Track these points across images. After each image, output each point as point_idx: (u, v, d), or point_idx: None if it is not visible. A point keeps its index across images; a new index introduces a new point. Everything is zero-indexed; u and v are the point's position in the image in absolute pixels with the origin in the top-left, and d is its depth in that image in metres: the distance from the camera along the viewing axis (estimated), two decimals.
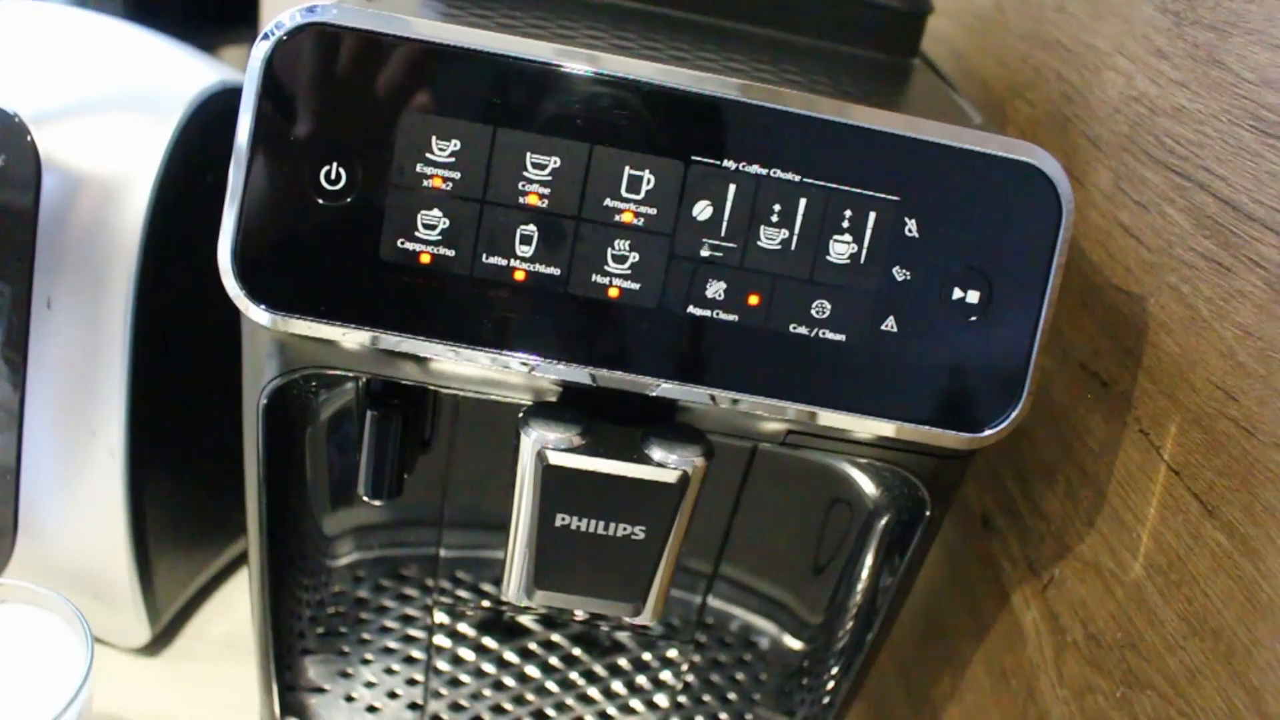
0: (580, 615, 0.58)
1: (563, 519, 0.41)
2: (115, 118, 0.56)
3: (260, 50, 0.37)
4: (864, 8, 0.52)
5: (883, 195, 0.39)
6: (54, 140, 0.54)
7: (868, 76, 0.50)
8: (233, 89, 0.60)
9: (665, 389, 0.40)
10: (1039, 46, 0.59)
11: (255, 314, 0.39)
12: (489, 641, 0.59)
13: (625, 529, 0.41)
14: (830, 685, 0.55)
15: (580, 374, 0.39)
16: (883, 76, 0.51)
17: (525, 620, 0.58)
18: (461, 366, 0.40)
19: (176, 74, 0.59)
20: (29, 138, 0.54)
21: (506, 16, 0.43)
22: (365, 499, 0.45)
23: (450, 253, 0.38)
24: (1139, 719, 0.43)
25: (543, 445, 0.40)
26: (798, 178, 0.39)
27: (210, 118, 0.58)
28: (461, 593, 0.56)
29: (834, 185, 0.39)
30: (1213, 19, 0.44)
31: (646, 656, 0.59)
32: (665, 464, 0.40)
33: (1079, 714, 0.46)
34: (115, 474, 0.59)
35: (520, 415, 0.41)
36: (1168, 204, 0.45)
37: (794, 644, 0.56)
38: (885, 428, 0.41)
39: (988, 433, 0.41)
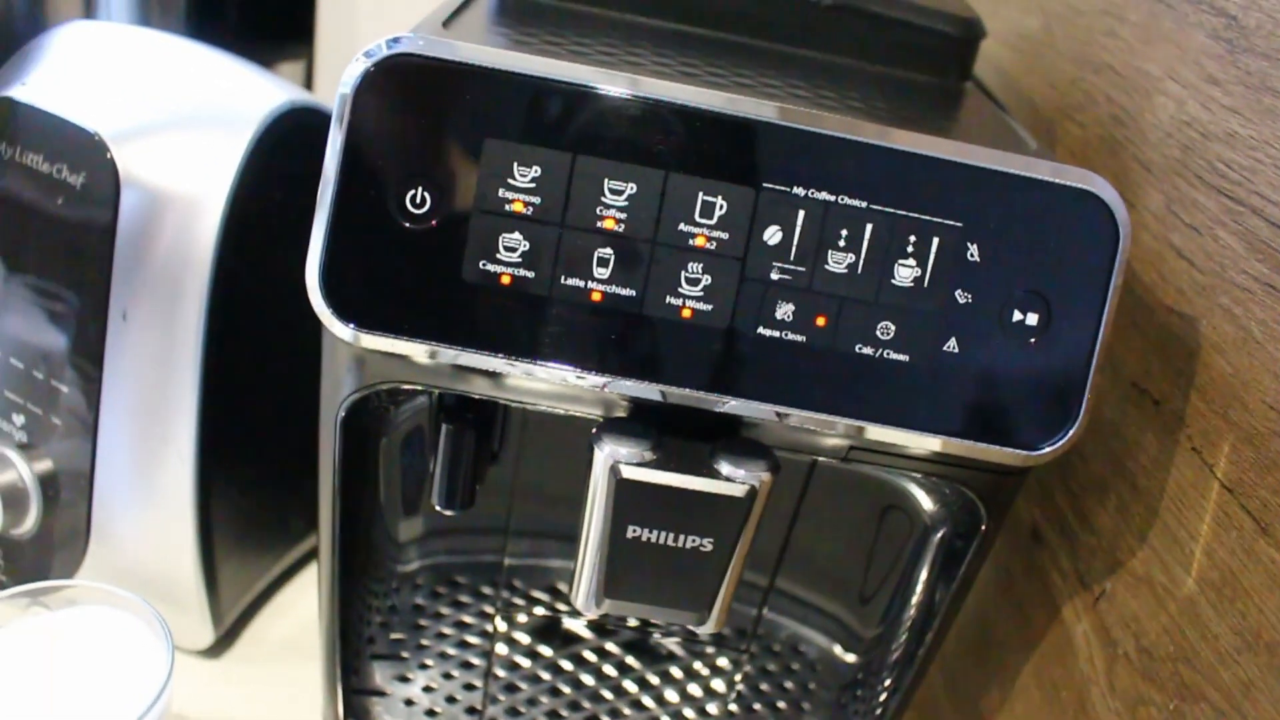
0: (633, 623, 0.59)
1: (634, 530, 0.42)
2: (190, 136, 0.58)
3: (350, 80, 0.39)
4: (919, 33, 0.54)
5: (946, 221, 0.40)
6: (132, 158, 0.56)
7: (925, 102, 0.51)
8: (301, 108, 0.61)
9: (733, 405, 0.41)
10: (1089, 70, 0.60)
11: (340, 330, 0.40)
12: (545, 648, 0.60)
13: (694, 540, 0.42)
14: (882, 697, 0.56)
15: (651, 391, 0.41)
16: (939, 101, 0.52)
17: (580, 628, 0.59)
18: (535, 382, 0.42)
19: (247, 93, 0.61)
20: (109, 155, 0.56)
21: (576, 44, 0.45)
22: (438, 509, 0.47)
23: (530, 274, 0.40)
24: None
25: (616, 459, 0.41)
26: (864, 204, 0.40)
27: (281, 136, 0.60)
28: (521, 600, 0.58)
29: (899, 211, 0.40)
30: (1266, 47, 0.45)
31: (698, 665, 0.60)
32: (734, 478, 0.42)
33: None
34: (185, 480, 0.61)
35: (593, 430, 0.43)
36: (1220, 228, 0.46)
37: (847, 656, 0.57)
38: (945, 445, 0.42)
39: (1045, 450, 0.42)
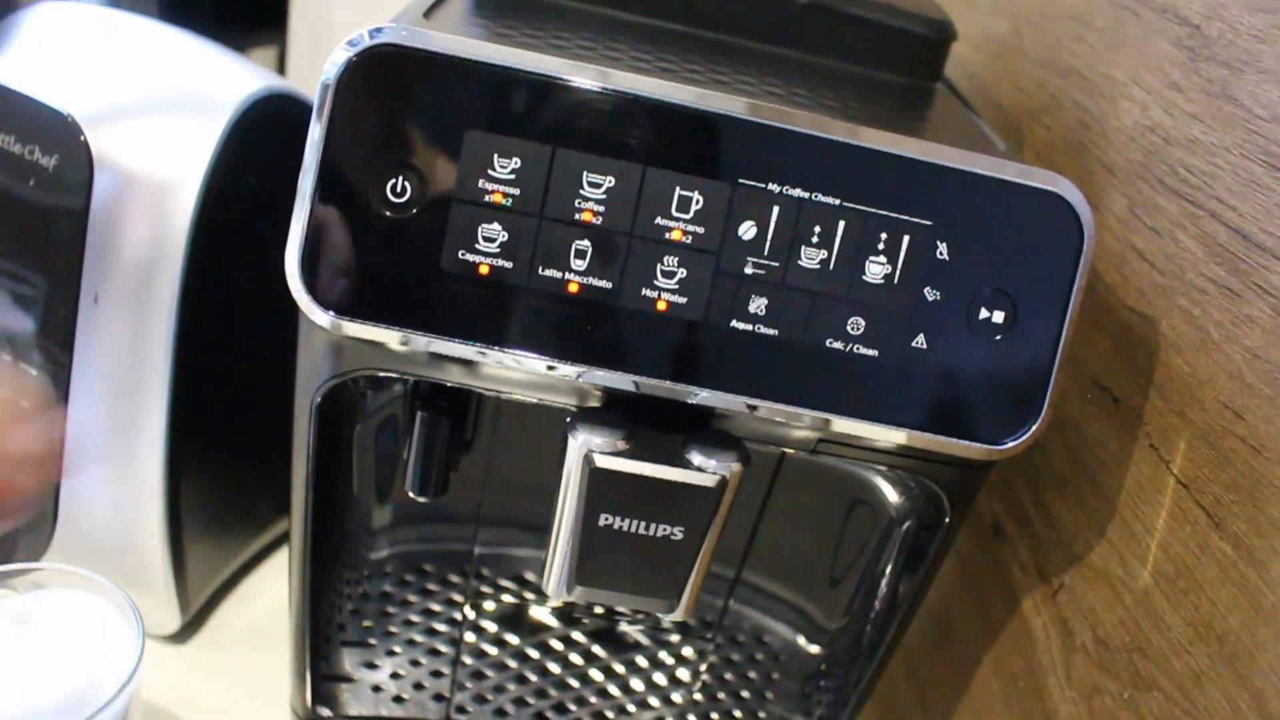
0: (600, 610, 0.60)
1: (606, 519, 0.43)
2: (165, 119, 0.58)
3: (331, 67, 0.39)
4: (892, 33, 0.54)
5: (916, 219, 0.41)
6: (106, 141, 0.56)
7: (897, 101, 0.52)
8: (277, 94, 0.62)
9: (705, 397, 0.42)
10: (1056, 74, 0.61)
11: (318, 317, 0.41)
12: (512, 637, 0.61)
13: (665, 529, 0.43)
14: (845, 687, 0.57)
15: (625, 381, 0.41)
16: (910, 101, 0.53)
17: (547, 617, 0.60)
18: (511, 372, 0.42)
19: (222, 77, 0.61)
20: (82, 138, 0.56)
21: (555, 38, 0.45)
22: (412, 496, 0.47)
23: (508, 264, 0.40)
24: (1146, 719, 0.45)
25: (589, 448, 0.42)
26: (837, 201, 0.41)
27: (256, 121, 0.60)
28: (490, 589, 0.58)
29: (871, 209, 0.41)
30: (1226, 56, 0.46)
31: (664, 655, 0.61)
32: (705, 468, 0.43)
33: (1087, 714, 0.49)
34: (155, 464, 0.61)
35: (567, 420, 0.43)
36: (1180, 231, 0.48)
37: (810, 647, 0.58)
38: (912, 438, 0.43)
39: (1009, 445, 0.44)
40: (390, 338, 0.41)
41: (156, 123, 0.58)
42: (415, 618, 0.60)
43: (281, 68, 0.93)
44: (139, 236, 0.57)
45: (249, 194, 0.60)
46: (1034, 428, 0.44)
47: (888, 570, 0.53)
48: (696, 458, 0.43)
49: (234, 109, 0.59)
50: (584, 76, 0.40)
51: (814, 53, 0.54)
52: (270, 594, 0.74)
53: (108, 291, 0.58)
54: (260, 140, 0.60)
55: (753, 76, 0.47)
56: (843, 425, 0.43)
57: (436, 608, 0.59)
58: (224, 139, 0.58)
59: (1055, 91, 0.61)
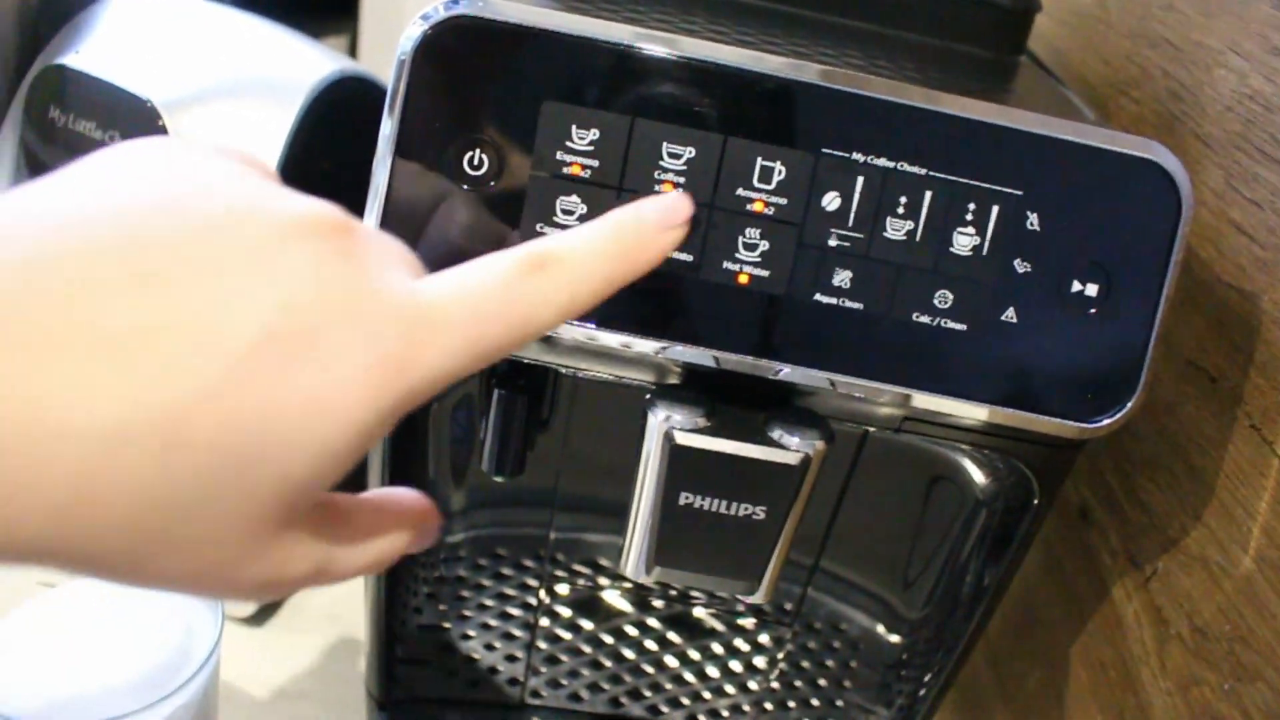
0: (673, 594, 0.59)
1: (686, 497, 0.42)
2: (240, 103, 0.59)
3: (407, 40, 0.39)
4: (974, 6, 0.53)
5: (1005, 189, 0.40)
6: (184, 125, 0.57)
7: (980, 73, 0.50)
8: (350, 77, 0.62)
9: (787, 373, 0.41)
10: (1145, 44, 0.59)
11: None
12: (586, 622, 0.60)
13: (746, 509, 0.42)
14: (926, 677, 0.55)
15: (705, 356, 0.41)
16: (994, 73, 0.51)
17: (622, 603, 0.59)
18: (589, 348, 0.41)
19: (296, 61, 0.61)
20: (160, 122, 0.57)
21: (632, 10, 0.44)
22: (489, 475, 0.47)
23: None
24: (1249, 711, 0.43)
25: (670, 425, 0.41)
26: (924, 171, 0.40)
27: (330, 104, 0.60)
28: (564, 573, 0.58)
29: (958, 179, 0.40)
30: None
31: (740, 642, 0.60)
32: (788, 446, 0.42)
33: (1184, 706, 0.47)
34: None
35: (647, 396, 0.42)
36: None
37: (892, 635, 0.57)
38: (1001, 415, 0.42)
39: (1102, 423, 0.42)
40: None
41: (233, 106, 0.59)
42: (490, 602, 0.59)
43: (353, 55, 0.93)
44: None
45: (324, 176, 0.60)
46: (1129, 406, 0.42)
47: (972, 555, 0.51)
48: (779, 435, 0.42)
49: (308, 92, 0.59)
50: (662, 46, 0.39)
51: (893, 26, 0.52)
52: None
53: None
54: (334, 122, 0.60)
55: (832, 48, 0.46)
56: (928, 401, 0.41)
57: (511, 592, 0.59)
58: (299, 121, 0.58)
59: (1144, 63, 0.59)
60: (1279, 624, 0.42)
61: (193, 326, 0.26)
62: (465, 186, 0.39)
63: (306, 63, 0.61)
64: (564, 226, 0.39)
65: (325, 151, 0.60)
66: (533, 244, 0.32)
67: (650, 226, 0.35)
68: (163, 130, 0.56)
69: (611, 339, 0.40)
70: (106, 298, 0.25)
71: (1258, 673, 0.43)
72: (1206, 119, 0.52)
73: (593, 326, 0.40)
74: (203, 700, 0.49)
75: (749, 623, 0.59)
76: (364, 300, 0.29)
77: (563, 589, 0.58)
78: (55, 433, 0.24)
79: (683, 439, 0.41)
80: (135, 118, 0.57)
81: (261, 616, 0.70)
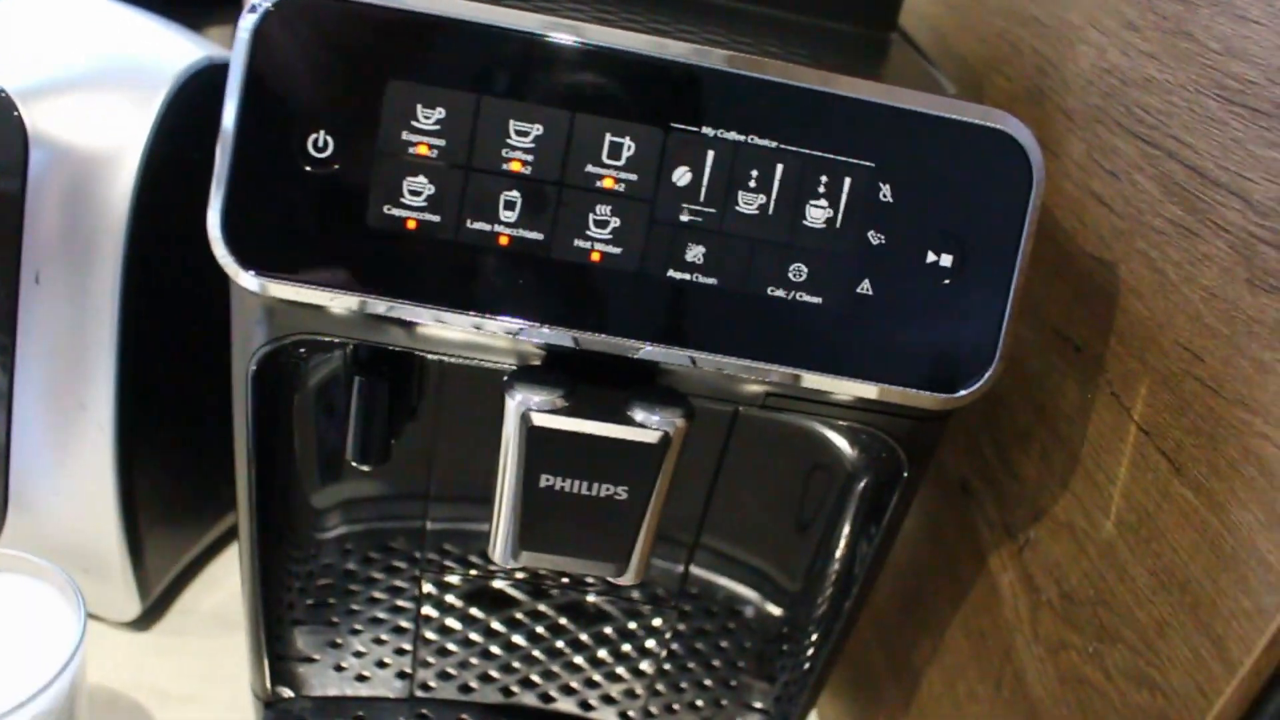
0: (564, 582, 0.59)
1: (547, 480, 0.42)
2: (102, 93, 0.57)
3: (248, 21, 0.38)
4: None
5: (858, 161, 0.40)
6: (41, 116, 0.55)
7: (845, 48, 0.51)
8: (218, 64, 0.60)
9: (647, 352, 0.41)
10: (1016, 22, 0.60)
11: (244, 280, 0.39)
12: (476, 611, 0.59)
13: (608, 489, 0.42)
14: (811, 650, 0.56)
15: (563, 337, 0.40)
16: (860, 49, 0.52)
17: (511, 590, 0.59)
18: (447, 331, 0.41)
19: (162, 50, 0.60)
20: (15, 113, 0.54)
21: None
22: (354, 464, 0.46)
23: (435, 218, 0.39)
24: (1110, 672, 0.44)
25: (527, 407, 0.41)
26: (775, 144, 0.39)
27: (196, 93, 0.58)
28: (448, 563, 0.57)
29: (810, 151, 0.40)
30: None
31: (631, 625, 0.60)
32: (647, 425, 0.41)
33: (1053, 670, 0.48)
34: (105, 448, 0.60)
35: (505, 379, 0.42)
36: (1138, 172, 0.46)
37: (775, 610, 0.57)
38: (862, 389, 0.42)
39: (962, 393, 0.42)
40: (318, 298, 0.39)
41: (94, 96, 0.57)
42: (377, 595, 0.59)
43: None
44: (79, 213, 0.56)
45: (192, 166, 0.58)
46: (988, 374, 0.42)
47: (848, 529, 0.51)
48: (639, 414, 0.42)
49: (173, 80, 0.58)
50: (508, 21, 0.38)
51: (764, 4, 0.53)
52: (236, 577, 0.72)
53: (49, 270, 0.56)
54: (202, 112, 0.58)
55: (694, 26, 0.46)
56: (786, 376, 0.41)
57: (397, 584, 0.58)
58: (163, 111, 0.57)
59: (1015, 40, 0.60)
60: (1137, 585, 0.43)
61: None
62: (309, 169, 0.38)
63: (172, 51, 0.60)
64: (413, 209, 0.39)
65: (194, 141, 0.58)
66: None
67: None
68: (18, 121, 0.55)
69: (464, 320, 0.39)
70: None
71: (1117, 634, 0.44)
72: (1069, 93, 0.53)
73: (444, 309, 0.39)
74: (66, 707, 0.48)
75: (642, 606, 0.59)
76: None
77: (449, 579, 0.58)
78: None
79: (540, 420, 0.41)
80: None
81: (146, 620, 0.68)
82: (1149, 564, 0.43)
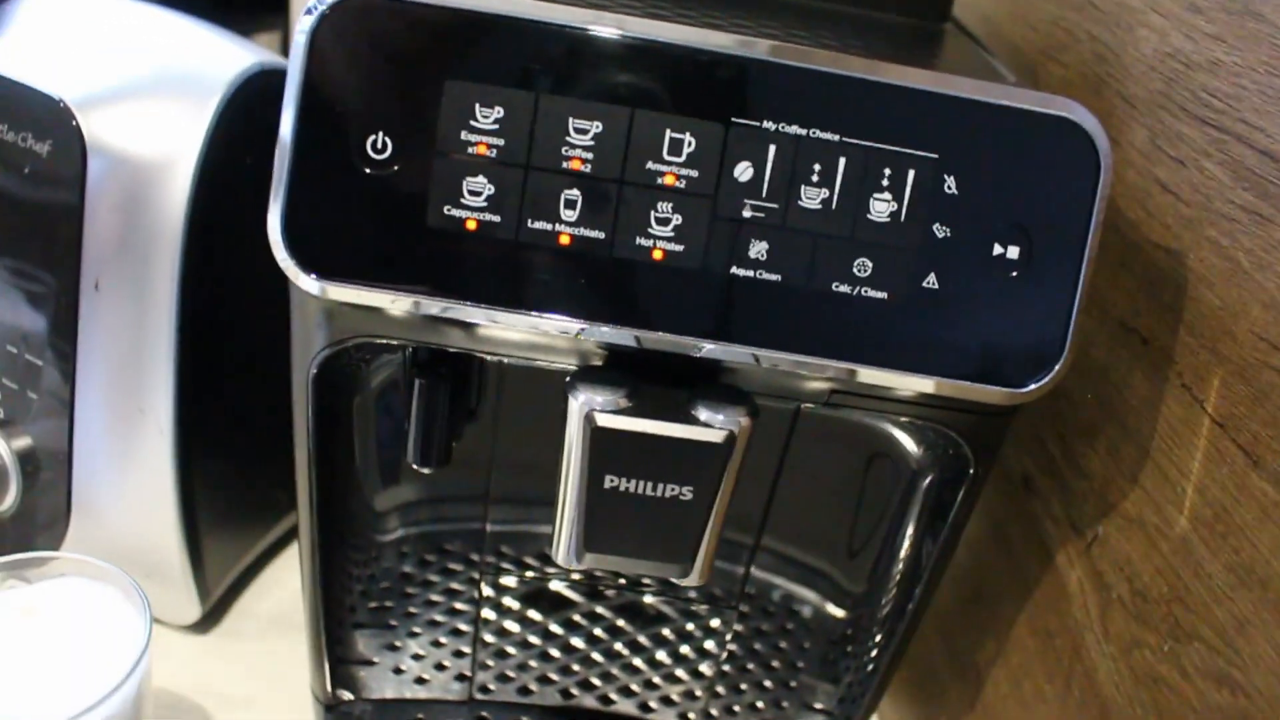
0: (622, 583, 0.58)
1: (611, 480, 0.41)
2: (157, 101, 0.57)
3: (305, 24, 0.38)
4: None
5: (921, 153, 0.39)
6: (99, 124, 0.55)
7: (901, 40, 0.50)
8: (270, 70, 0.60)
9: (709, 350, 0.40)
10: (1070, 8, 0.59)
11: (304, 283, 0.39)
12: (534, 614, 0.59)
13: (673, 489, 0.41)
14: (875, 651, 0.55)
15: (625, 336, 0.40)
16: (916, 40, 0.51)
17: (569, 592, 0.59)
18: (507, 332, 0.41)
19: (215, 57, 0.60)
20: (75, 123, 0.55)
21: None
22: (414, 467, 0.46)
23: (496, 218, 0.39)
24: (1187, 671, 0.43)
25: (590, 408, 0.40)
26: (837, 137, 0.39)
27: (249, 99, 0.59)
28: (506, 565, 0.57)
29: (873, 144, 0.39)
30: None
31: (690, 626, 0.60)
32: (711, 424, 0.41)
33: (1126, 669, 0.47)
34: (165, 453, 0.60)
35: (567, 379, 0.42)
36: (1205, 159, 0.45)
37: (837, 611, 0.57)
38: (928, 384, 0.41)
39: (1030, 388, 0.41)
40: (378, 300, 0.39)
41: (149, 104, 0.57)
42: (435, 597, 0.59)
43: (285, 52, 0.92)
44: (137, 220, 0.56)
45: (247, 171, 0.59)
46: (1056, 369, 0.41)
47: (912, 528, 0.51)
48: (703, 413, 0.41)
49: (226, 87, 0.58)
50: (566, 19, 0.38)
51: None
52: (293, 580, 0.73)
53: (108, 277, 0.57)
54: (255, 117, 0.59)
55: (748, 20, 0.45)
56: (850, 373, 0.41)
57: (456, 587, 0.58)
58: (217, 117, 0.57)
59: (1070, 26, 0.58)
60: (1213, 583, 0.42)
61: None
62: (368, 171, 0.38)
63: (225, 57, 0.60)
64: (473, 209, 0.39)
65: (248, 146, 0.59)
66: None
67: None
68: (77, 130, 0.55)
69: (526, 320, 0.39)
70: None
71: (1194, 632, 0.43)
72: (1130, 79, 0.52)
73: (504, 309, 0.39)
74: (132, 711, 0.48)
75: (699, 607, 0.58)
76: None
77: (508, 581, 0.58)
78: None
79: (604, 420, 0.40)
80: (48, 118, 0.56)
81: (205, 623, 0.68)
82: (1226, 560, 0.42)
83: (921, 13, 0.54)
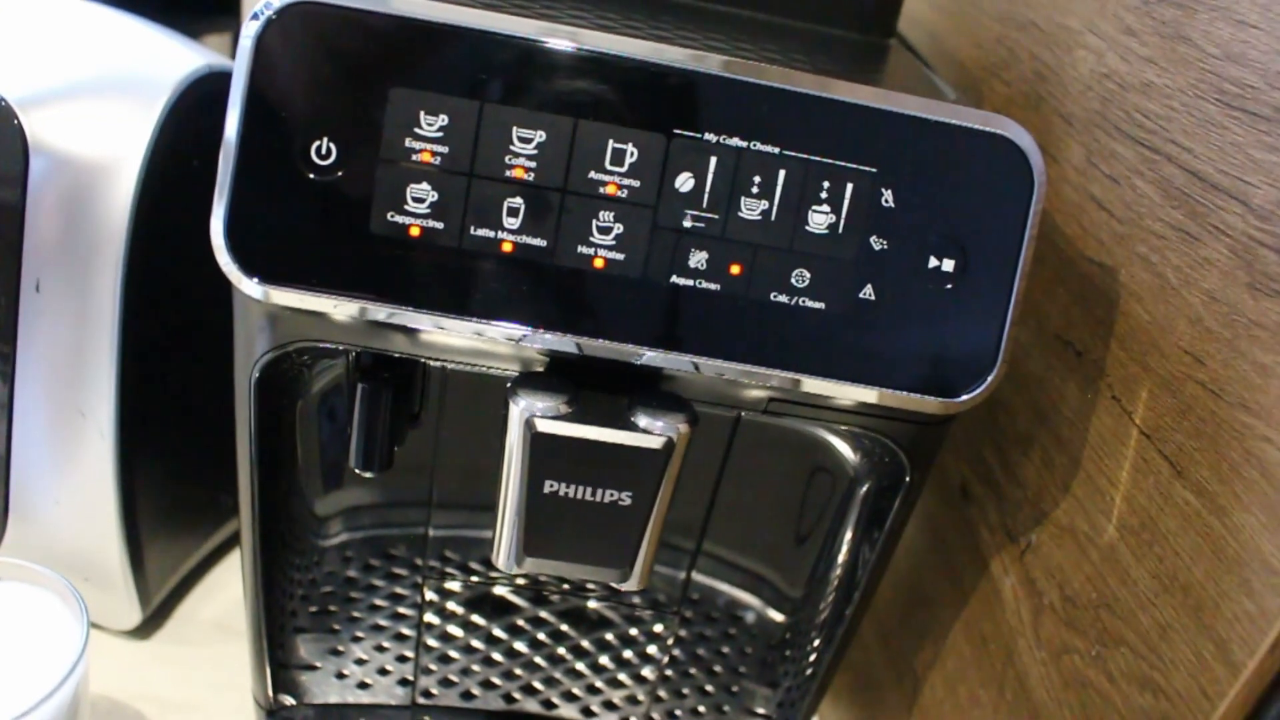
0: (565, 588, 0.59)
1: (551, 485, 0.42)
2: (102, 101, 0.57)
3: (251, 28, 0.38)
4: None
5: (860, 167, 0.40)
6: (41, 124, 0.55)
7: (845, 55, 0.51)
8: (218, 73, 0.60)
9: (650, 357, 0.41)
10: (1014, 27, 0.60)
11: (247, 286, 0.39)
12: (477, 618, 0.59)
13: (612, 495, 0.42)
14: (814, 655, 0.56)
15: (566, 343, 0.40)
16: (860, 55, 0.52)
17: (512, 597, 0.59)
18: (450, 337, 0.41)
19: (162, 58, 0.60)
20: (16, 122, 0.54)
21: None
22: (356, 470, 0.46)
23: (439, 225, 0.39)
24: (1113, 675, 0.44)
25: (531, 413, 0.41)
26: (777, 150, 0.40)
27: (196, 101, 0.59)
28: (450, 570, 0.57)
29: (812, 157, 0.40)
30: None
31: (633, 631, 0.60)
32: (651, 430, 0.41)
33: (1056, 674, 0.48)
34: (106, 456, 0.60)
35: (509, 385, 0.42)
36: (1137, 177, 0.46)
37: (777, 616, 0.57)
38: (864, 394, 0.42)
39: (964, 398, 0.42)
40: (321, 304, 0.40)
41: (94, 104, 0.57)
42: (379, 602, 0.59)
43: (235, 53, 0.91)
44: (79, 221, 0.56)
45: (192, 174, 0.59)
46: (990, 379, 0.42)
47: (850, 534, 0.51)
48: (642, 420, 0.42)
49: (173, 88, 0.58)
50: (511, 28, 0.38)
51: (764, 10, 0.53)
52: (237, 585, 0.72)
53: (49, 278, 0.56)
54: (202, 119, 0.59)
55: (695, 32, 0.46)
56: (789, 381, 0.41)
57: (400, 591, 0.58)
58: (163, 119, 0.57)
59: (1013, 45, 0.60)
60: (1139, 589, 0.43)
61: None
62: (312, 176, 0.38)
63: (172, 59, 0.60)
64: (416, 215, 0.39)
65: (194, 149, 0.59)
66: None
67: None
68: (19, 130, 0.54)
69: (467, 327, 0.40)
70: None
71: (1121, 637, 0.44)
72: (1068, 98, 0.53)
73: (447, 315, 0.39)
74: (67, 716, 0.48)
75: (643, 612, 0.59)
76: None
77: (452, 586, 0.58)
78: None
79: (544, 426, 0.41)
80: None
81: (147, 628, 0.68)
82: (1151, 567, 0.43)
83: (866, 28, 0.54)
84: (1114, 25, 0.50)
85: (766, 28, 0.51)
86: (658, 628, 0.59)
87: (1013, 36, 0.60)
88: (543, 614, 0.59)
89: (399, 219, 0.39)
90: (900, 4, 0.56)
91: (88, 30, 0.61)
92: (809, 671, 0.56)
